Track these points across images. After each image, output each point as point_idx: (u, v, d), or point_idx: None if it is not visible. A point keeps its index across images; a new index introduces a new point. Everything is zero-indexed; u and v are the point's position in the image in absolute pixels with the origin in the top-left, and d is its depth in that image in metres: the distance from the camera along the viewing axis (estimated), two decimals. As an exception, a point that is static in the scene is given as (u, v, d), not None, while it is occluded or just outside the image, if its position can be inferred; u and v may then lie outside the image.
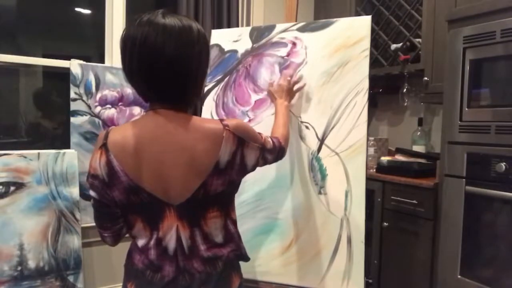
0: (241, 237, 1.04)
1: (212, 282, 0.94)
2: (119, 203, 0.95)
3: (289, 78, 1.50)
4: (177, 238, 0.94)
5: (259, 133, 1.06)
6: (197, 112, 2.37)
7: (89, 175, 0.95)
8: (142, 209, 0.95)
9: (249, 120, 1.64)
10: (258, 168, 1.06)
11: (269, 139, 1.11)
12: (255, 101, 1.65)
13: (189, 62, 0.92)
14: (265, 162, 1.09)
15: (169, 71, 0.90)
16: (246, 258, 1.06)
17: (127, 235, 1.03)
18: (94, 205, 0.99)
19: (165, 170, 0.91)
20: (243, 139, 0.95)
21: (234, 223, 1.02)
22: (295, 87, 1.53)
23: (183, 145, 0.91)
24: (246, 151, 0.97)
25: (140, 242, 0.97)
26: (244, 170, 0.99)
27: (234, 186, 1.00)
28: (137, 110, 2.37)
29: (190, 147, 0.90)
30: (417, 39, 2.23)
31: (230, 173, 0.94)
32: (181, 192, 0.91)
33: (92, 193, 0.97)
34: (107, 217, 0.99)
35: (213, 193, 0.93)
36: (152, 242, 0.95)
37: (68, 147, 2.18)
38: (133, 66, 0.90)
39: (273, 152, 1.11)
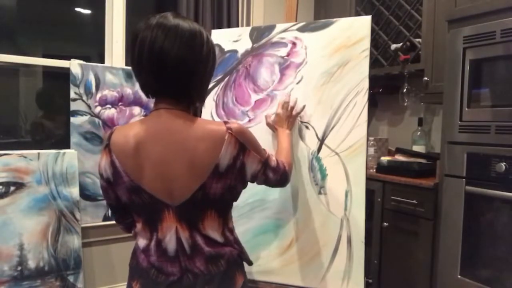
0: (241, 244, 1.04)
1: (216, 281, 0.95)
2: (124, 202, 0.98)
3: (286, 106, 1.46)
4: (177, 239, 0.94)
5: (264, 149, 1.05)
6: (197, 112, 2.37)
7: (99, 175, 1.00)
8: (143, 210, 0.96)
9: (249, 120, 1.64)
10: None
11: (274, 158, 1.08)
12: (255, 101, 1.65)
13: (196, 65, 0.93)
14: (266, 179, 1.06)
15: (176, 71, 0.91)
16: (249, 261, 1.06)
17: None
18: (106, 202, 1.05)
19: (169, 170, 0.91)
20: (244, 145, 0.95)
21: (231, 231, 1.02)
22: (294, 112, 1.49)
23: (185, 145, 0.91)
24: (247, 159, 0.96)
25: (142, 243, 0.98)
26: (244, 178, 0.98)
27: (233, 193, 0.99)
28: (137, 110, 2.37)
29: (191, 147, 0.91)
30: (417, 39, 2.23)
31: (230, 178, 0.94)
32: (183, 193, 0.92)
33: (102, 191, 1.02)
34: (117, 213, 1.06)
35: (212, 196, 0.93)
36: (152, 243, 0.96)
37: (68, 147, 2.18)
38: (142, 65, 0.92)
39: (276, 173, 1.07)
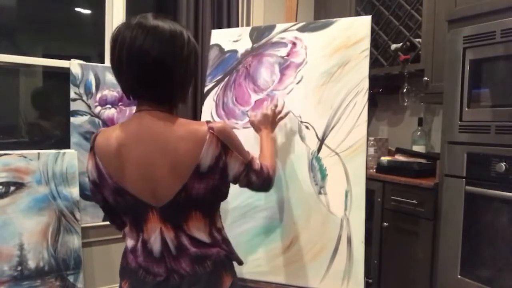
0: (230, 243, 1.03)
1: (202, 282, 0.94)
2: (111, 203, 1.00)
3: (273, 108, 1.44)
4: (161, 240, 0.94)
5: (248, 151, 1.03)
6: (197, 112, 2.37)
7: (87, 177, 1.02)
8: (128, 211, 0.98)
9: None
10: None
11: (258, 162, 1.06)
12: (255, 101, 1.65)
13: (177, 65, 0.93)
14: (249, 182, 1.03)
15: (156, 72, 0.91)
16: (239, 261, 1.05)
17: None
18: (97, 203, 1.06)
19: (150, 171, 0.92)
20: (226, 145, 0.94)
21: (219, 230, 1.01)
22: (279, 117, 1.47)
23: (166, 146, 0.91)
24: (229, 160, 0.95)
25: (130, 243, 0.99)
26: (226, 179, 0.97)
27: (218, 194, 0.98)
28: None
29: (172, 148, 0.91)
30: (417, 39, 2.23)
31: (213, 178, 0.93)
32: (165, 194, 0.92)
33: (91, 193, 1.04)
34: (108, 214, 1.07)
35: (195, 197, 0.92)
36: (139, 244, 0.97)
37: (68, 147, 2.18)
38: (122, 66, 0.92)
39: (259, 176, 1.04)
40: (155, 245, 0.95)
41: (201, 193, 0.92)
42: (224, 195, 1.01)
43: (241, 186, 1.04)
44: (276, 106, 1.46)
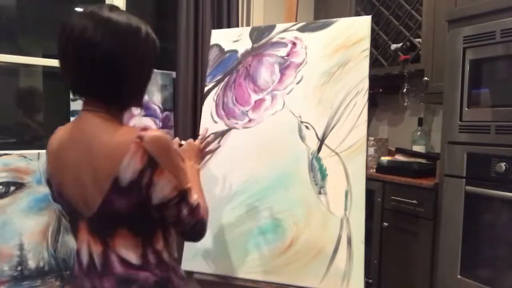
0: (173, 269, 0.90)
1: None
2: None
3: (200, 138, 1.29)
4: (89, 254, 0.86)
5: (187, 178, 0.87)
6: (197, 112, 2.37)
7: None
8: (68, 215, 0.93)
9: (249, 120, 1.64)
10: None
11: (196, 197, 0.88)
12: (255, 101, 1.65)
13: (128, 63, 0.84)
14: (178, 217, 0.84)
15: (105, 69, 0.82)
16: None
17: None
18: None
19: (81, 178, 0.84)
20: (155, 160, 0.79)
21: (158, 253, 0.87)
22: (208, 149, 1.31)
23: (92, 153, 0.82)
24: (157, 178, 0.80)
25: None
26: (149, 201, 0.82)
27: (150, 213, 0.84)
28: (137, 110, 2.37)
29: (96, 156, 0.81)
30: (417, 39, 2.23)
31: (136, 195, 0.80)
32: (92, 204, 0.83)
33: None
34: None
35: (118, 212, 0.81)
36: (75, 253, 0.91)
37: (68, 147, 2.17)
38: (67, 59, 0.84)
39: (192, 215, 0.85)
40: (84, 257, 0.87)
41: (124, 210, 0.81)
42: (160, 216, 0.86)
43: (169, 221, 0.86)
44: (204, 136, 1.31)
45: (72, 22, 0.82)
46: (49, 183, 0.95)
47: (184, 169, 0.87)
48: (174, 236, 0.92)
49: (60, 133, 0.92)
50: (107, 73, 0.82)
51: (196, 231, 0.88)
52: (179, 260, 0.92)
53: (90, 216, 0.84)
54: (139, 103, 0.94)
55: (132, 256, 0.84)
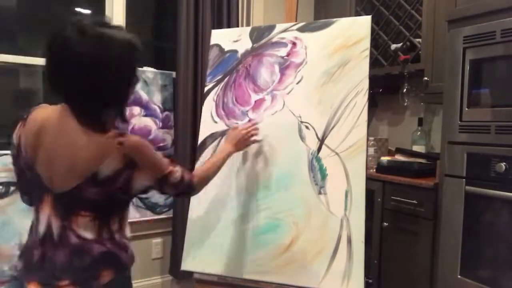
0: (124, 247, 1.00)
1: (76, 273, 0.93)
2: (21, 174, 1.02)
3: (248, 129, 1.44)
4: (47, 225, 0.95)
5: (171, 163, 1.04)
6: (197, 112, 2.37)
7: (12, 142, 1.03)
8: (32, 187, 1.00)
9: (249, 120, 1.64)
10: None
11: (178, 174, 1.06)
12: (255, 101, 1.66)
13: (109, 75, 0.92)
14: (163, 193, 1.08)
15: (85, 79, 0.90)
16: (123, 268, 1.00)
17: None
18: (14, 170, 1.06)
19: (54, 161, 0.94)
20: (134, 162, 0.94)
21: (111, 232, 0.98)
22: (251, 139, 1.48)
23: (73, 145, 0.93)
24: (136, 175, 0.95)
25: (32, 218, 1.01)
26: (129, 192, 0.97)
27: (115, 201, 0.98)
28: (137, 110, 2.37)
29: (77, 149, 0.92)
30: (417, 39, 2.23)
31: (109, 187, 0.93)
32: (61, 185, 0.94)
33: (12, 158, 1.04)
34: (20, 185, 1.07)
35: (86, 198, 0.93)
36: (34, 221, 0.99)
37: (68, 147, 2.17)
38: (51, 67, 0.93)
39: (177, 187, 1.06)
40: (41, 227, 0.96)
41: (93, 197, 0.93)
42: (123, 203, 1.01)
43: (160, 192, 1.06)
44: (252, 128, 1.45)
45: (60, 31, 0.91)
46: (17, 149, 1.00)
47: (160, 159, 1.01)
48: (127, 221, 1.05)
49: (47, 112, 0.98)
50: (87, 83, 0.91)
51: (184, 193, 1.13)
52: (130, 240, 1.05)
53: (58, 193, 0.94)
54: (122, 113, 1.00)
55: (89, 234, 0.95)
